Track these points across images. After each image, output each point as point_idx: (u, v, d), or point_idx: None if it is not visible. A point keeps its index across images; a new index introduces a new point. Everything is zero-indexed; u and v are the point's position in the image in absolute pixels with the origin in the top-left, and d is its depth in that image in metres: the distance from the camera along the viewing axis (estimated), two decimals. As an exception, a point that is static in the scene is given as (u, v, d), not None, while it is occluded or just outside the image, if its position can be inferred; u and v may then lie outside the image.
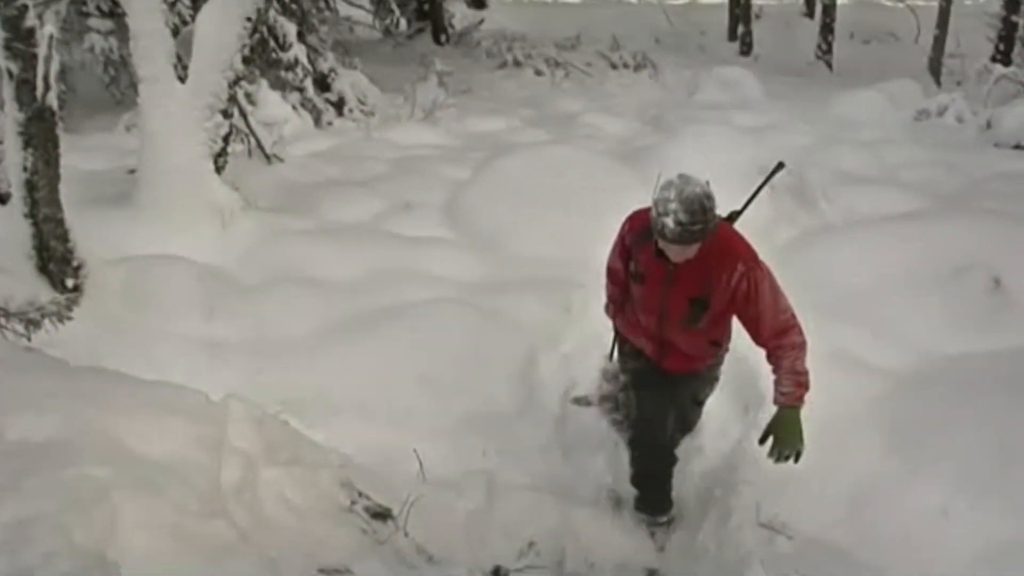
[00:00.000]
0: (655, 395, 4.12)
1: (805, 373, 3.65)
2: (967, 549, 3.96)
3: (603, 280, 4.19)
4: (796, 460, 3.81)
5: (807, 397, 3.70)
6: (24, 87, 4.89)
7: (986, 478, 4.20)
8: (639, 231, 3.70)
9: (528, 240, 6.65)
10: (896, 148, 11.52)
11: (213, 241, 6.42)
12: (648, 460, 4.36)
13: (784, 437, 3.72)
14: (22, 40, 4.82)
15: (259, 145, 8.58)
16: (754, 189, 4.16)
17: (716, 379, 4.19)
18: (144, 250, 5.94)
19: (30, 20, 4.84)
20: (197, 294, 5.61)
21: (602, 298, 4.30)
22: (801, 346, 3.63)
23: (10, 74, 4.86)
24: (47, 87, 4.94)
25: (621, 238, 3.86)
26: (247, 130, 8.49)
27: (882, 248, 6.24)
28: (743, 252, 3.57)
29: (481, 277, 6.27)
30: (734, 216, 3.94)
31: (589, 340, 5.34)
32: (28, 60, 4.85)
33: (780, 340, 3.61)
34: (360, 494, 3.65)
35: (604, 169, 7.66)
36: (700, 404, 4.27)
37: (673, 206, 3.32)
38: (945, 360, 5.22)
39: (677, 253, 3.46)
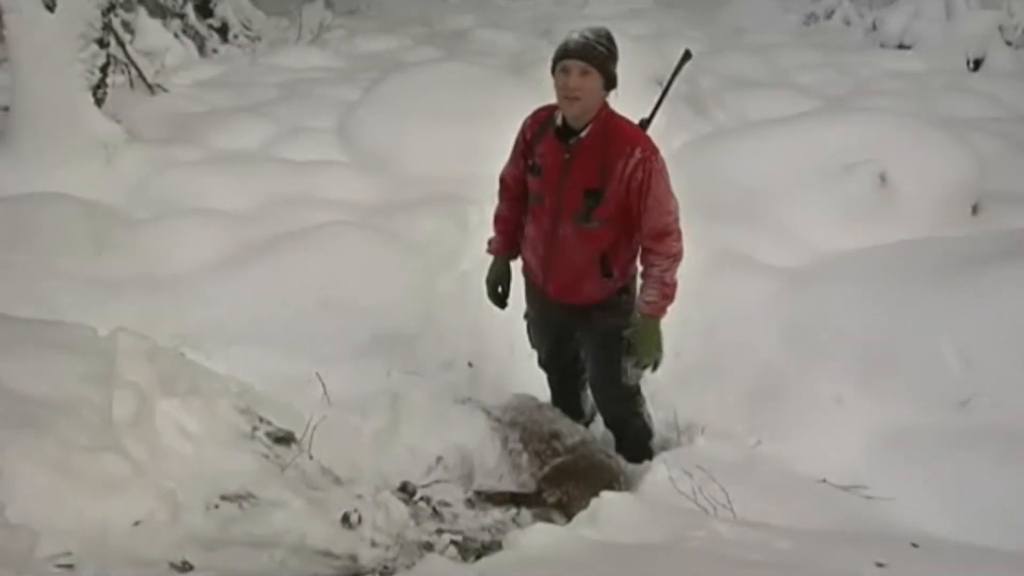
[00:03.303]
0: (543, 325, 4.14)
1: (673, 285, 3.61)
2: (860, 435, 4.12)
3: (494, 203, 4.06)
4: (654, 369, 3.83)
5: (670, 308, 3.68)
6: None
7: (875, 367, 4.36)
8: (542, 121, 3.64)
9: (422, 158, 6.57)
10: (786, 52, 11.69)
11: (97, 176, 6.18)
12: (551, 382, 4.43)
13: (644, 347, 3.71)
14: None
15: (140, 75, 8.26)
16: (665, 84, 4.04)
17: (619, 330, 3.78)
18: (24, 189, 5.69)
19: None
20: (83, 231, 5.40)
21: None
22: (675, 256, 3.58)
23: None
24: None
25: (522, 134, 3.73)
26: (127, 60, 8.16)
27: (773, 149, 6.32)
28: (641, 140, 3.50)
29: (376, 198, 6.18)
30: (645, 122, 3.74)
31: (487, 256, 5.33)
32: None
33: (657, 244, 3.55)
34: (261, 420, 3.61)
35: (496, 83, 7.57)
36: (616, 350, 3.82)
37: (580, 27, 3.42)
38: (836, 255, 5.35)
39: (575, 83, 3.35)
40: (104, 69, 6.84)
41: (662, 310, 3.66)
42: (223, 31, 11.86)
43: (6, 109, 6.72)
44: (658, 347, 3.75)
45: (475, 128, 6.62)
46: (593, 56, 3.35)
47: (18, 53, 6.31)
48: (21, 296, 4.61)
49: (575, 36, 3.37)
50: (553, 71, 3.43)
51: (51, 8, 6.40)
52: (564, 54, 3.38)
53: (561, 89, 3.42)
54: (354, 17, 13.92)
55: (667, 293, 3.61)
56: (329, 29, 12.38)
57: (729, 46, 11.86)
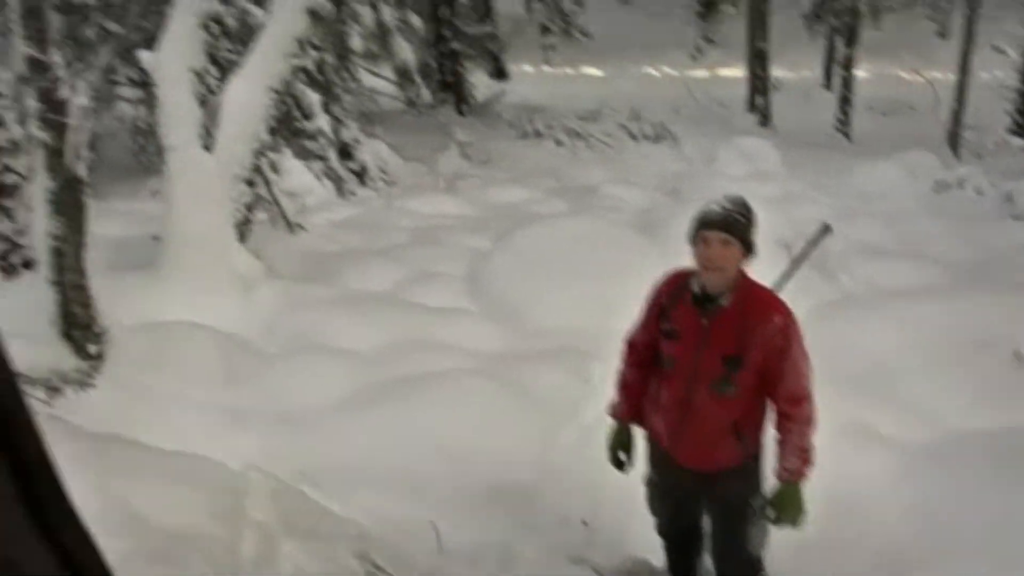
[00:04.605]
0: (666, 490, 4.02)
1: (811, 449, 3.57)
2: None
3: (618, 364, 3.99)
4: (796, 526, 3.74)
5: (812, 472, 3.59)
6: (55, 156, 4.98)
7: (1008, 559, 4.14)
8: (676, 284, 3.66)
9: (548, 311, 6.67)
10: (915, 220, 11.53)
11: (235, 309, 6.46)
12: (668, 549, 4.33)
13: (788, 512, 3.65)
14: (55, 111, 4.93)
15: (282, 214, 8.69)
16: (799, 254, 4.06)
17: (746, 497, 3.76)
18: (166, 317, 5.98)
19: (63, 91, 4.96)
20: (217, 361, 5.63)
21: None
22: (810, 421, 3.57)
23: (44, 144, 4.95)
24: (77, 156, 5.03)
25: (656, 298, 3.72)
26: (271, 199, 8.60)
27: (902, 321, 6.22)
28: (781, 306, 3.52)
29: (501, 347, 6.28)
30: (778, 286, 3.86)
31: (607, 413, 5.34)
32: (60, 130, 4.95)
33: (793, 408, 3.53)
34: (376, 567, 3.62)
35: (623, 240, 7.71)
36: (742, 517, 3.78)
37: (718, 198, 3.46)
38: (967, 434, 5.17)
39: (716, 255, 3.39)
40: (250, 207, 7.23)
41: (803, 475, 3.61)
42: (362, 174, 12.38)
43: (157, 238, 7.11)
44: (802, 509, 3.67)
45: (602, 283, 6.72)
46: (733, 227, 3.39)
47: (174, 188, 6.72)
48: (153, 421, 4.80)
49: (715, 208, 3.41)
50: (693, 240, 3.48)
51: (208, 148, 6.83)
52: (704, 225, 3.42)
53: (702, 259, 3.45)
54: (487, 167, 14.37)
55: (806, 459, 3.58)
56: (463, 178, 12.79)
57: (857, 211, 11.79)
